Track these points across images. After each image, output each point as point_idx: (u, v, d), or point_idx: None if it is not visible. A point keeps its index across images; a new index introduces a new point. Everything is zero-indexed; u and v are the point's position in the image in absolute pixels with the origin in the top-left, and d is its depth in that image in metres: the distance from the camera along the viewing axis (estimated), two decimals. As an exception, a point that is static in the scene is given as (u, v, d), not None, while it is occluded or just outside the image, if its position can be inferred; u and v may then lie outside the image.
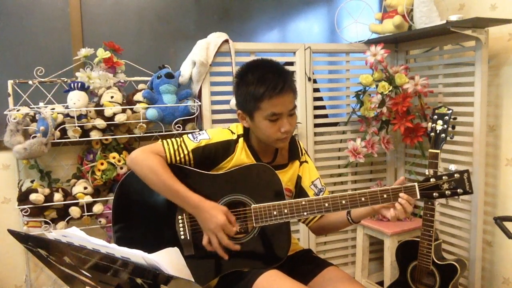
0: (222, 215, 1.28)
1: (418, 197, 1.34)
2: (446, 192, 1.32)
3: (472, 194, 1.33)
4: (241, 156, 1.44)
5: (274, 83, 1.31)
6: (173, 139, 1.43)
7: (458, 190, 1.32)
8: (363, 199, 1.34)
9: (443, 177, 1.33)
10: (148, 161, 1.34)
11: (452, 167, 1.34)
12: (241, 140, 1.45)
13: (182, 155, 1.39)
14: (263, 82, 1.32)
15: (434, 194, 1.33)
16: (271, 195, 1.39)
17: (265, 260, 1.39)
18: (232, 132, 1.47)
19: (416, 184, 1.34)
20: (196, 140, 1.42)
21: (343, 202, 1.34)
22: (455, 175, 1.32)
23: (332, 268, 1.44)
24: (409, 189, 1.34)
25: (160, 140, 1.44)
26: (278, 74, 1.34)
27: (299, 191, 1.55)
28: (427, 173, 1.36)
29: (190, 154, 1.40)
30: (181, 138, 1.43)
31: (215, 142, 1.42)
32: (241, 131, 1.47)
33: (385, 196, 1.33)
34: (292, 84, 1.37)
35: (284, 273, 1.31)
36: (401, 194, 1.32)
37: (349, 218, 1.44)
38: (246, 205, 1.39)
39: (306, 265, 1.48)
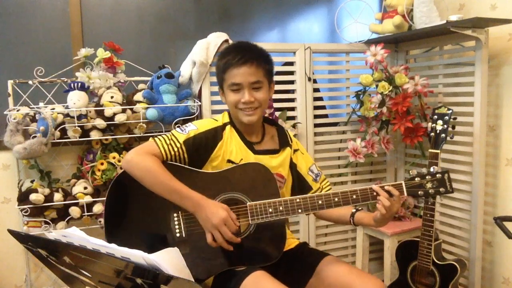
0: (224, 210, 1.31)
1: (405, 194, 1.39)
2: (430, 191, 1.39)
3: (452, 193, 1.40)
4: (231, 140, 1.49)
5: (234, 55, 1.44)
6: (163, 135, 1.45)
7: (441, 189, 1.38)
8: (354, 196, 1.39)
9: (427, 177, 1.40)
10: (144, 163, 1.36)
11: (432, 169, 1.41)
12: (228, 127, 1.51)
13: (175, 149, 1.42)
14: (226, 55, 1.47)
15: (419, 192, 1.40)
16: (266, 193, 1.41)
17: (260, 258, 1.40)
18: (217, 120, 1.53)
19: (403, 182, 1.40)
20: (185, 132, 1.45)
21: (336, 199, 1.39)
22: (437, 175, 1.39)
23: (329, 258, 1.46)
24: (397, 187, 1.39)
25: (151, 138, 1.45)
26: (242, 49, 1.47)
27: (298, 179, 1.59)
28: (411, 173, 1.42)
29: (183, 147, 1.42)
30: (171, 133, 1.46)
31: (203, 131, 1.47)
32: (227, 119, 1.53)
33: (374, 194, 1.37)
34: (258, 60, 1.46)
35: (280, 270, 1.32)
36: (386, 187, 1.36)
37: (352, 221, 1.48)
38: (242, 203, 1.40)
39: (303, 258, 1.50)
